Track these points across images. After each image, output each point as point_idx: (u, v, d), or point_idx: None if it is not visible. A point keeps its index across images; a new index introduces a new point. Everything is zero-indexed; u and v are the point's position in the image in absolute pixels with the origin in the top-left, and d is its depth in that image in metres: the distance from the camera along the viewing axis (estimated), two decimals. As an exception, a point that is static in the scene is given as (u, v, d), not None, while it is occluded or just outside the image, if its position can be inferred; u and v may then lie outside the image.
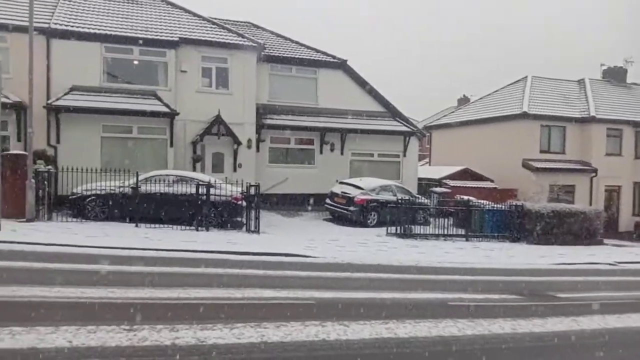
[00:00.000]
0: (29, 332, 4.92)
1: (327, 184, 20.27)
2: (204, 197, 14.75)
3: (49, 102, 16.68)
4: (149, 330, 5.29)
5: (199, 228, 14.47)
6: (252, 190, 15.37)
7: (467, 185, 23.82)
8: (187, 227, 14.44)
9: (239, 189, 15.56)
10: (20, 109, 16.09)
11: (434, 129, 33.72)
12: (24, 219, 13.02)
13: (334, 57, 22.51)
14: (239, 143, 19.33)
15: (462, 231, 18.31)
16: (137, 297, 6.60)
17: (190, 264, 9.57)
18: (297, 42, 23.50)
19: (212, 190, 14.89)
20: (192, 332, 5.36)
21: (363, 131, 21.88)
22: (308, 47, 23.07)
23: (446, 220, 18.41)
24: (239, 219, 15.65)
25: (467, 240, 17.82)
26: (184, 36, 19.01)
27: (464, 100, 42.46)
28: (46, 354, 4.48)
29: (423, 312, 7.34)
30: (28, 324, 5.11)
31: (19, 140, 16.29)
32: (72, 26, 17.77)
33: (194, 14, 21.22)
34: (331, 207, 19.25)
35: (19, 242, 10.05)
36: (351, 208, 18.37)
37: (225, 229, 15.14)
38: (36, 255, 9.02)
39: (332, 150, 21.94)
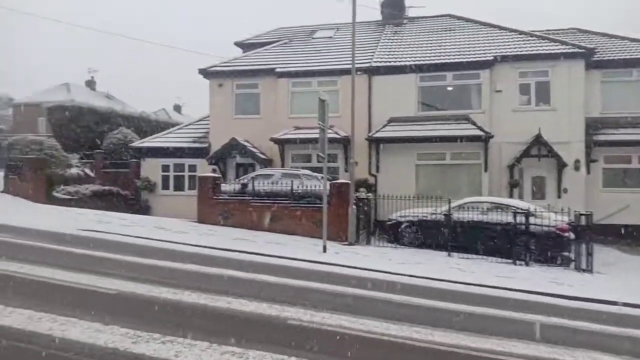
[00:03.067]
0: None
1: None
2: (523, 227, 13.11)
3: (370, 134, 18.00)
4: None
5: (517, 262, 12.88)
6: (582, 220, 12.86)
7: None
8: (503, 260, 13.05)
9: (565, 218, 13.26)
10: (347, 143, 17.83)
11: None
12: (346, 242, 14.08)
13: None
14: (563, 165, 16.80)
15: None
16: (441, 343, 5.81)
17: (504, 305, 8.28)
18: (637, 40, 19.31)
19: (531, 219, 13.13)
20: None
21: None
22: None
23: None
24: (565, 253, 13.30)
25: None
26: (499, 54, 17.90)
27: None
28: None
29: None
30: None
31: (346, 170, 18.05)
32: (390, 62, 18.90)
33: (509, 30, 19.91)
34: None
35: (339, 265, 10.69)
36: None
37: (548, 264, 13.07)
38: (355, 280, 9.33)
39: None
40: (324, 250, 12.17)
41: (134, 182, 21.87)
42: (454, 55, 18.63)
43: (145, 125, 30.16)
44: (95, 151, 23.92)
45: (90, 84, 56.53)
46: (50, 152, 19.96)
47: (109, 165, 23.32)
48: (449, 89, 18.63)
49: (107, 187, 21.10)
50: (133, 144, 22.97)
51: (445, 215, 14.09)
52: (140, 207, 21.16)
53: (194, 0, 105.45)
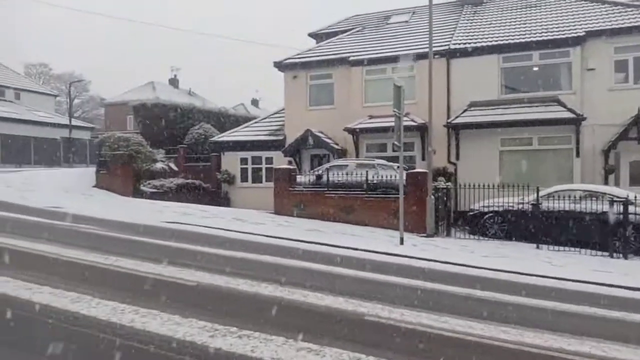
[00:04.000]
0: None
1: None
2: (621, 217, 11.97)
3: (449, 120, 17.26)
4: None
5: (614, 255, 11.79)
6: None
7: None
8: (598, 253, 12.01)
9: (672, 208, 11.96)
10: (424, 130, 17.23)
11: None
12: (424, 234, 13.59)
13: None
14: (669, 148, 15.18)
15: None
16: (532, 345, 5.33)
17: (602, 302, 7.52)
18: None
19: (630, 209, 11.95)
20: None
21: None
22: None
23: None
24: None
25: None
26: (591, 29, 16.49)
27: None
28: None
29: None
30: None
31: (423, 159, 17.46)
32: (470, 43, 17.99)
33: (602, 1, 18.21)
34: None
35: (417, 258, 10.30)
36: None
37: (651, 257, 11.87)
38: (435, 274, 8.93)
39: None
40: (401, 242, 11.81)
41: (214, 175, 22.60)
42: (540, 33, 17.37)
43: (225, 120, 31.11)
44: (178, 146, 25.00)
45: (174, 82, 59.25)
46: (137, 148, 21.04)
47: (191, 159, 24.29)
48: (535, 69, 17.44)
49: (189, 181, 21.96)
50: (213, 139, 23.73)
51: (533, 204, 13.21)
52: (221, 199, 21.84)
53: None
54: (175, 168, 23.68)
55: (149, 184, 20.56)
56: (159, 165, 22.51)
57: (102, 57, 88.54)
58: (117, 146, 20.71)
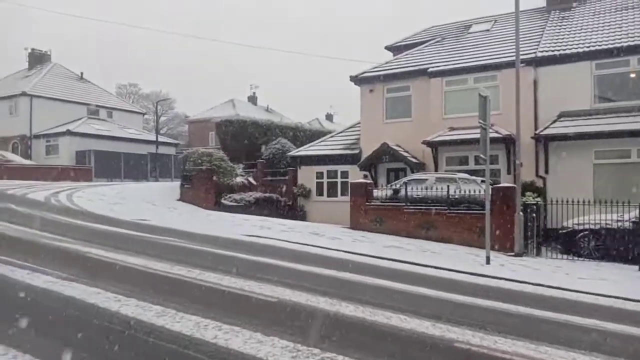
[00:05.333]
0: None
1: None
2: None
3: (537, 132, 16.28)
4: None
5: None
6: None
7: None
8: None
9: None
10: (509, 142, 16.36)
11: None
12: (512, 253, 12.76)
13: None
14: None
15: None
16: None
17: None
18: None
19: None
20: None
21: None
22: None
23: None
24: None
25: None
26: (700, 29, 14.90)
27: None
28: None
29: None
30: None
31: (508, 172, 16.56)
32: (559, 50, 16.96)
33: None
34: None
35: (506, 279, 9.63)
36: None
37: None
38: (527, 297, 8.28)
39: None
40: (487, 261, 11.14)
41: (291, 188, 22.81)
42: (638, 36, 16.00)
43: (301, 135, 31.49)
44: (257, 161, 25.57)
45: (252, 99, 61.24)
46: (219, 163, 21.76)
47: (268, 174, 24.73)
48: (632, 75, 16.06)
49: (267, 194, 22.32)
50: (290, 153, 24.04)
51: (634, 222, 12.03)
52: (297, 213, 21.97)
53: (345, 9, 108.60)
54: (254, 182, 24.20)
55: (230, 197, 21.11)
56: (238, 179, 23.11)
57: (186, 76, 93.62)
58: (201, 161, 21.51)
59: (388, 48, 24.53)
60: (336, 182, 22.00)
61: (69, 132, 36.35)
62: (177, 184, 25.64)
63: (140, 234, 11.98)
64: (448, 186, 14.72)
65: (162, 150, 40.08)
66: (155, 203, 20.44)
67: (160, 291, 6.64)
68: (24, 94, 37.26)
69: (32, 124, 37.33)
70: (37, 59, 43.74)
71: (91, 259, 8.51)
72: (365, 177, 19.26)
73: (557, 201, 13.79)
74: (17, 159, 33.36)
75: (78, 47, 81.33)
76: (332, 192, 22.10)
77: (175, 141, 48.98)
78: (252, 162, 25.97)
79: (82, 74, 44.38)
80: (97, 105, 41.82)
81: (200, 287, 7.11)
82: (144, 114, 51.33)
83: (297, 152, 23.75)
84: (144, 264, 8.33)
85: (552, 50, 17.05)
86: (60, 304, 5.71)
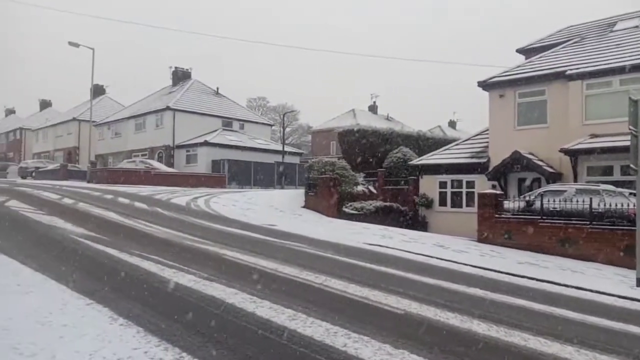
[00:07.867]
0: None
1: None
2: None
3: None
4: None
5: None
6: None
7: None
8: None
9: None
10: None
11: None
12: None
13: None
14: None
15: None
16: None
17: None
18: None
19: None
20: None
21: None
22: None
23: None
24: None
25: None
26: None
27: None
28: None
29: None
30: None
31: None
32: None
33: None
34: None
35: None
36: None
37: None
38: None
39: None
40: (638, 283, 9.92)
41: (411, 198, 22.44)
42: None
43: (423, 143, 30.90)
44: (377, 169, 25.59)
45: (373, 108, 61.66)
46: (342, 172, 22.14)
47: (389, 182, 24.60)
48: None
49: (387, 203, 22.18)
50: (411, 162, 23.68)
51: None
52: (418, 223, 21.53)
53: (473, 13, 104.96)
54: (374, 191, 24.22)
55: (351, 205, 21.35)
56: (359, 188, 23.29)
57: (309, 88, 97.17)
58: (324, 170, 22.08)
59: (519, 51, 23.14)
60: (461, 192, 21.18)
61: (206, 143, 39.59)
62: (301, 191, 26.55)
63: (269, 239, 12.58)
64: (591, 199, 13.39)
65: (288, 159, 41.92)
66: (281, 209, 21.35)
67: (290, 295, 6.88)
68: (168, 108, 41.40)
69: (174, 135, 41.30)
70: (179, 76, 48.42)
71: (227, 260, 9.11)
72: (493, 187, 18.28)
73: None
74: (161, 167, 37.10)
75: (213, 63, 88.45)
76: (456, 202, 21.31)
77: (300, 150, 50.99)
78: (372, 171, 26.03)
79: (217, 89, 48.14)
80: (230, 118, 45.12)
81: (328, 293, 7.24)
82: (271, 126, 54.17)
83: (419, 160, 23.32)
84: (274, 267, 8.71)
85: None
86: (204, 303, 6.17)
